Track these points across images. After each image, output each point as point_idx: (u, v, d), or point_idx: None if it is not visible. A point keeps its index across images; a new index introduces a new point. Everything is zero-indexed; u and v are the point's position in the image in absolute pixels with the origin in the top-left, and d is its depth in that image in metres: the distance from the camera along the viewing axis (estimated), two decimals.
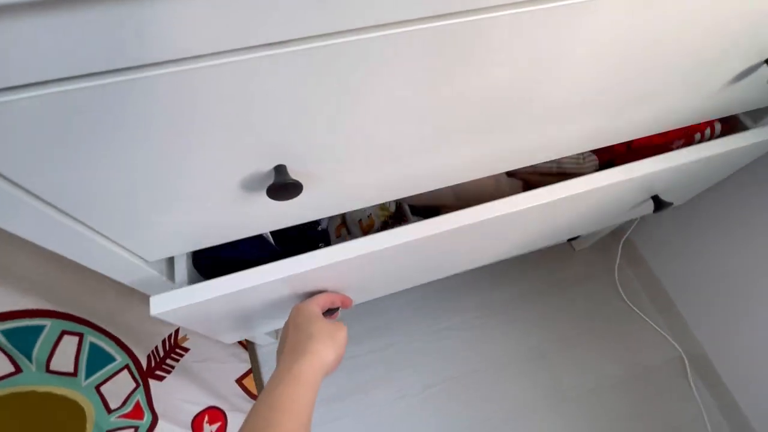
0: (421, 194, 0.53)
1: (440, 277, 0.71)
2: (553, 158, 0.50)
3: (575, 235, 0.69)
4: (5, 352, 0.51)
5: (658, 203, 0.62)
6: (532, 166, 0.57)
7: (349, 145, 0.36)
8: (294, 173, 0.35)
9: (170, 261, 0.50)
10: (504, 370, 1.03)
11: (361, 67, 0.29)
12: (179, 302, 0.44)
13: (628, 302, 1.12)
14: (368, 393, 0.98)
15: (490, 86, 0.35)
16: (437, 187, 0.48)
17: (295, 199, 0.37)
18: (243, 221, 0.43)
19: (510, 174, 0.63)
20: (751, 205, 0.86)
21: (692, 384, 1.03)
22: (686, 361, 1.05)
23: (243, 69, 0.26)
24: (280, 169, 0.35)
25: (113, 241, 0.38)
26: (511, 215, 0.50)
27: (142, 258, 0.43)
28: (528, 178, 0.64)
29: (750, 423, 0.95)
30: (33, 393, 0.53)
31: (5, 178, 0.28)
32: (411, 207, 0.63)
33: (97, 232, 0.36)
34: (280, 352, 0.45)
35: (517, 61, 0.33)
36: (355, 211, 0.61)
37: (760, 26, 0.40)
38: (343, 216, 0.62)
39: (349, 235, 0.62)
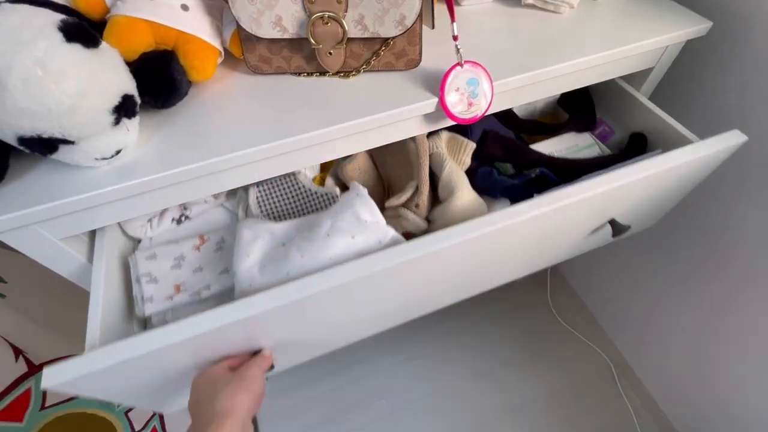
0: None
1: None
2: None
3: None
4: None
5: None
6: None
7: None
8: None
9: None
10: (459, 389, 1.22)
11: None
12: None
13: (561, 321, 1.33)
14: (343, 419, 1.17)
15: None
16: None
17: None
18: None
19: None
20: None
21: (620, 387, 1.21)
22: (612, 368, 1.24)
23: None
24: None
25: None
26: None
27: None
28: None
29: (667, 418, 1.12)
30: (84, 413, 0.77)
31: None
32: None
33: None
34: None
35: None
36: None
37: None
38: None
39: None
